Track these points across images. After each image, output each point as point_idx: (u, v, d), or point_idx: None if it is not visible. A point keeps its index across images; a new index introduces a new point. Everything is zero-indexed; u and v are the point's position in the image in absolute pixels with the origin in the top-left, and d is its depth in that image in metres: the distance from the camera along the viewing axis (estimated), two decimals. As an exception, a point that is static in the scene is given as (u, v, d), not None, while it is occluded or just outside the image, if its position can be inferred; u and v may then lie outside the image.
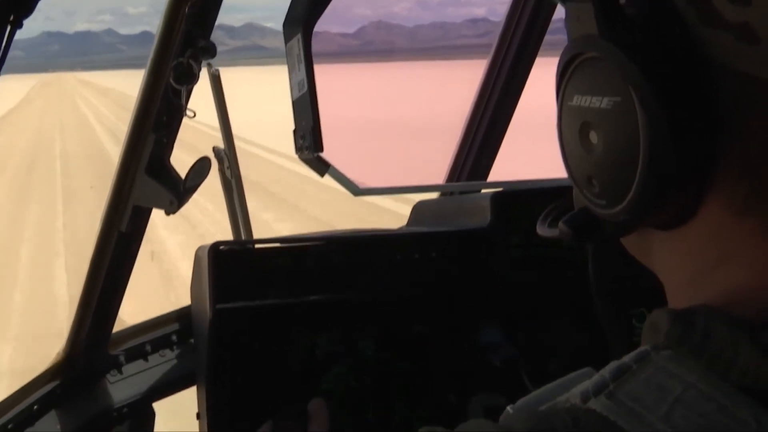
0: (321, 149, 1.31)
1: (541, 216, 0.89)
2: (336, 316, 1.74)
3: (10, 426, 1.71)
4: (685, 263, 0.56)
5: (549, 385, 0.66)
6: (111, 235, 1.73)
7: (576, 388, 0.51)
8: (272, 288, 1.70)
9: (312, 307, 1.72)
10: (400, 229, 2.07)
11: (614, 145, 0.54)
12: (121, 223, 1.70)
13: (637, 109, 0.51)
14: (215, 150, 1.84)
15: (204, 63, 1.61)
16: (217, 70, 1.69)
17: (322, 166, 1.35)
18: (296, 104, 1.36)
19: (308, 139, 1.32)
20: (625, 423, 0.46)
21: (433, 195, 2.26)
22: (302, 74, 1.33)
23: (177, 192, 1.61)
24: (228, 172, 1.83)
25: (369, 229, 2.08)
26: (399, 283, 1.77)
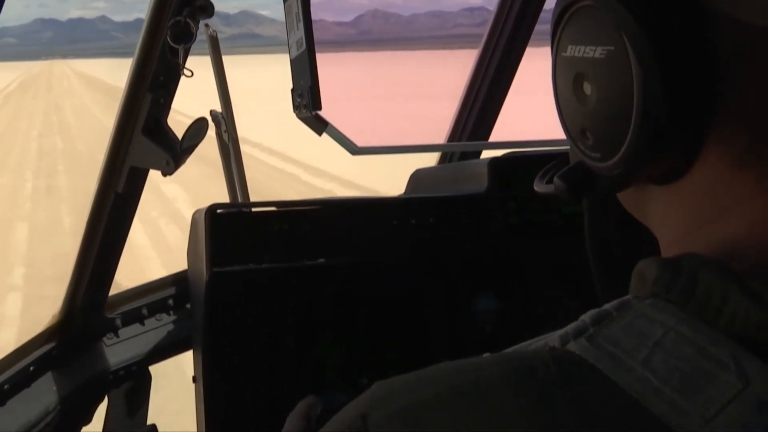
0: (319, 107, 1.30)
1: (539, 174, 0.89)
2: (332, 281, 1.74)
3: (6, 387, 1.71)
4: (681, 217, 0.55)
5: (526, 342, 0.65)
6: (107, 196, 1.72)
7: (554, 333, 0.50)
8: (268, 252, 1.69)
9: (308, 271, 1.72)
10: (398, 195, 2.06)
11: (607, 95, 0.53)
12: (117, 184, 1.69)
13: (631, 59, 0.50)
14: (212, 113, 1.83)
15: (202, 24, 1.59)
16: (215, 32, 1.68)
17: (320, 125, 1.34)
18: (294, 63, 1.35)
19: (306, 97, 1.30)
20: (604, 367, 0.45)
21: (432, 162, 2.25)
22: (301, 33, 1.32)
23: (174, 153, 1.60)
24: (225, 136, 1.83)
25: (366, 196, 2.07)
26: (395, 248, 1.77)
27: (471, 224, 1.78)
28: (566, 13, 0.56)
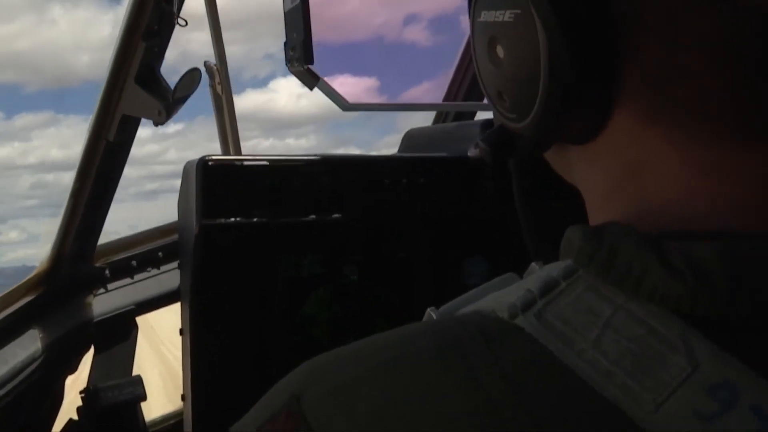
0: (311, 61, 1.29)
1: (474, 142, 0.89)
2: (321, 238, 1.74)
3: None
4: (601, 177, 0.55)
5: (475, 290, 0.64)
6: (98, 144, 1.71)
7: (503, 299, 0.48)
8: (259, 206, 1.69)
9: (298, 227, 1.72)
10: (391, 154, 2.05)
11: (518, 57, 0.54)
12: (108, 132, 1.68)
13: (535, 20, 0.51)
14: (206, 65, 1.82)
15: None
16: None
17: (311, 79, 1.33)
18: (288, 16, 1.33)
19: (299, 51, 1.29)
20: (555, 348, 0.44)
21: (427, 122, 2.24)
22: (295, -15, 1.31)
23: (166, 102, 1.59)
24: (219, 88, 1.81)
25: (359, 154, 2.06)
26: (386, 207, 1.76)
27: (462, 185, 1.77)
28: None
